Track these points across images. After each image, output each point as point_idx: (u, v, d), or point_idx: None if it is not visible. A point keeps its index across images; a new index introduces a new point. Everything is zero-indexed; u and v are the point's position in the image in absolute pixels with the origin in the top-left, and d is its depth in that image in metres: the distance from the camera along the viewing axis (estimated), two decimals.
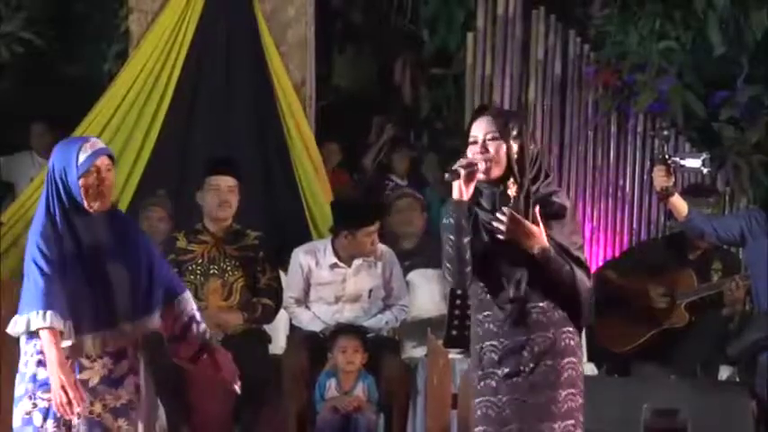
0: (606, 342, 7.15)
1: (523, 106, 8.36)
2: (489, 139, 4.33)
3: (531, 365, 4.32)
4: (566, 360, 4.34)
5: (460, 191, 4.27)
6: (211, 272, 6.78)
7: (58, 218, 4.66)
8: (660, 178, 6.16)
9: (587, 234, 8.19)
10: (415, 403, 6.85)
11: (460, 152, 4.41)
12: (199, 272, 6.77)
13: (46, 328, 4.55)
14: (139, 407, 4.79)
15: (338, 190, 8.29)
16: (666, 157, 6.21)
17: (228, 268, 6.79)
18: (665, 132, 7.65)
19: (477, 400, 4.40)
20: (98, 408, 4.69)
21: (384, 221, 7.45)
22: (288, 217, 7.88)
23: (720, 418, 6.08)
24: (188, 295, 4.89)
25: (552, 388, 4.32)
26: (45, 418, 4.64)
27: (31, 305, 4.60)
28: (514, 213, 4.24)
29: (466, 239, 4.26)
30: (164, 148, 7.83)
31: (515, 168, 4.32)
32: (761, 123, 8.04)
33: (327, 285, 7.00)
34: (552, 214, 4.34)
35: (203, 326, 4.90)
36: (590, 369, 6.98)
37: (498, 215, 4.26)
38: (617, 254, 8.04)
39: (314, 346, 6.83)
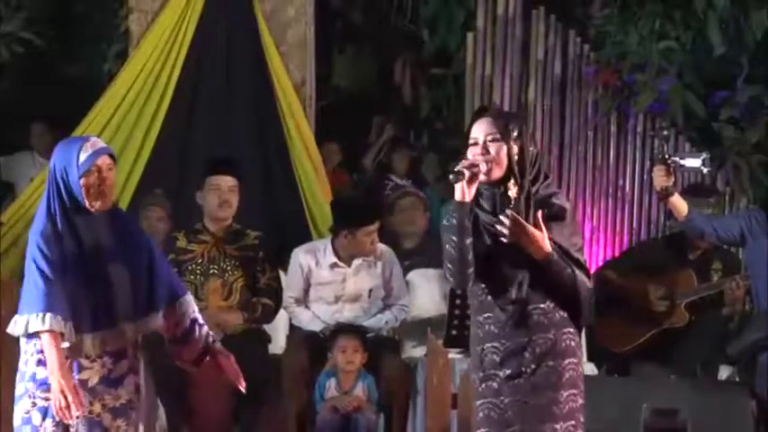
0: (606, 342, 7.15)
1: (523, 106, 8.36)
2: (490, 141, 4.33)
3: (533, 367, 4.32)
4: (567, 361, 4.35)
5: (463, 192, 4.27)
6: (211, 272, 6.78)
7: (58, 218, 4.66)
8: (660, 178, 6.17)
9: (587, 234, 8.19)
10: (414, 403, 6.85)
11: (460, 152, 4.42)
12: (199, 272, 6.77)
13: (45, 331, 4.55)
14: (139, 407, 4.79)
15: (338, 190, 8.30)
16: (666, 156, 6.21)
17: (228, 268, 6.80)
18: (665, 132, 7.66)
19: (479, 402, 4.39)
20: (98, 407, 4.69)
21: (387, 220, 7.46)
22: (288, 217, 7.88)
23: (720, 418, 6.08)
24: (189, 297, 4.88)
25: (554, 389, 4.32)
26: (44, 418, 4.64)
27: (30, 307, 4.59)
28: (518, 218, 4.24)
29: (468, 240, 4.26)
30: (164, 147, 7.83)
31: (516, 169, 4.32)
32: (761, 123, 8.04)
33: (327, 285, 7.00)
34: (552, 216, 4.34)
35: (206, 328, 4.89)
36: (590, 369, 6.98)
37: (502, 218, 4.25)
38: (617, 254, 8.04)
39: (314, 346, 6.83)
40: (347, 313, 6.97)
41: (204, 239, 6.84)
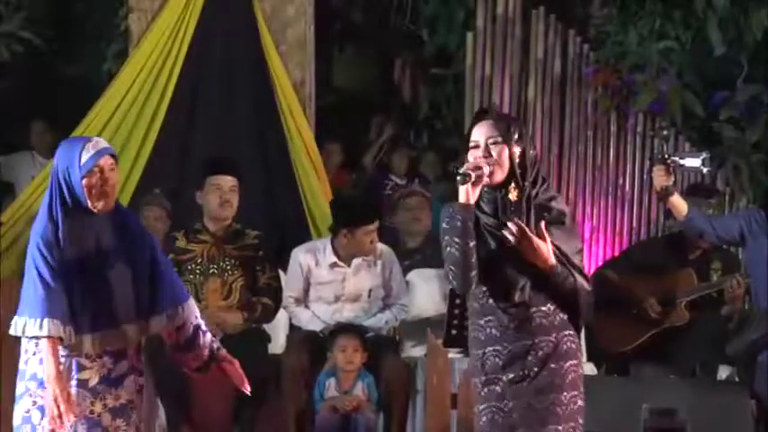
0: (606, 342, 7.15)
1: (523, 106, 8.36)
2: (491, 144, 4.32)
3: (536, 369, 4.31)
4: (569, 363, 4.34)
5: (467, 194, 4.26)
6: (211, 271, 6.78)
7: (60, 218, 4.64)
8: (660, 178, 6.17)
9: (587, 234, 8.19)
10: (414, 403, 6.86)
11: (459, 152, 4.42)
12: (198, 271, 6.78)
13: (43, 337, 4.55)
14: (141, 407, 4.78)
15: (338, 189, 8.30)
16: (666, 156, 6.22)
17: (228, 268, 6.80)
18: (665, 132, 7.67)
19: (482, 407, 4.38)
20: (98, 407, 4.69)
21: (391, 218, 7.45)
22: (288, 217, 7.88)
23: (719, 418, 6.08)
24: (192, 302, 4.85)
25: (557, 391, 4.31)
26: (42, 416, 4.63)
27: (28, 310, 4.59)
28: (525, 230, 4.23)
29: (472, 243, 4.25)
30: (163, 147, 7.83)
31: (518, 172, 4.32)
32: (761, 123, 8.04)
33: (327, 285, 7.00)
34: (552, 221, 4.34)
35: (209, 335, 4.88)
36: (589, 369, 6.98)
37: (510, 225, 4.25)
38: (617, 253, 8.05)
39: (313, 346, 6.83)
40: (347, 313, 6.97)
41: (204, 239, 6.84)
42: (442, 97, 9.58)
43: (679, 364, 7.03)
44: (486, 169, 4.28)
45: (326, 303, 6.99)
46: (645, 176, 8.12)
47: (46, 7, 9.17)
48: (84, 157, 4.65)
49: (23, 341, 4.69)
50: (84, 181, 4.64)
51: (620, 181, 8.28)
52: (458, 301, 4.58)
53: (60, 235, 4.63)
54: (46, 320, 4.54)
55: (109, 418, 4.70)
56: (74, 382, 4.65)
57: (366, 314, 7.00)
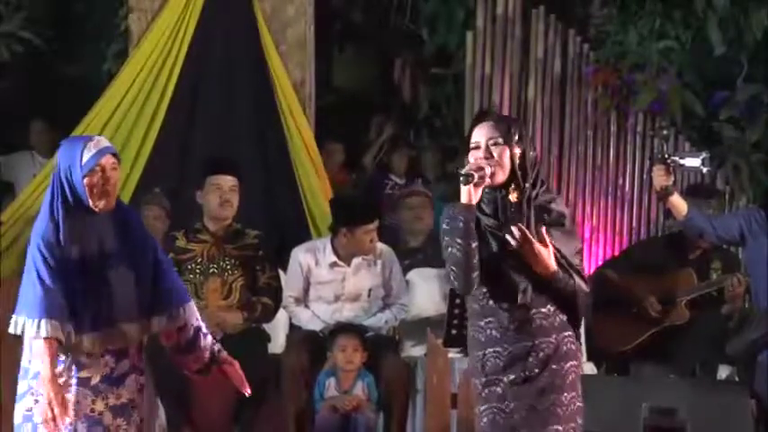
0: (605, 341, 7.15)
1: (523, 105, 8.36)
2: (492, 145, 4.33)
3: (537, 371, 4.32)
4: (569, 364, 4.36)
5: (470, 195, 4.26)
6: (211, 271, 6.79)
7: (61, 217, 4.64)
8: (660, 177, 6.17)
9: (587, 234, 8.19)
10: (414, 402, 6.86)
11: (459, 152, 4.42)
12: (198, 271, 6.78)
13: (40, 338, 4.55)
14: (141, 406, 4.78)
15: (338, 189, 8.30)
16: (666, 156, 6.22)
17: (228, 267, 6.80)
18: (665, 132, 7.67)
19: (483, 408, 4.38)
20: (100, 406, 4.69)
21: (393, 217, 7.45)
22: (288, 217, 7.88)
23: (719, 418, 6.08)
24: (193, 305, 4.85)
25: (558, 392, 4.32)
26: None
27: (26, 310, 4.59)
28: (527, 235, 4.23)
29: (474, 244, 4.25)
30: (164, 146, 7.83)
31: (519, 173, 4.32)
32: (761, 123, 8.05)
33: (327, 284, 7.00)
34: (552, 222, 4.35)
35: (210, 337, 4.88)
36: (589, 368, 6.98)
37: (513, 229, 4.25)
38: (617, 253, 8.05)
39: (313, 346, 6.83)
40: (347, 312, 6.97)
41: (204, 239, 6.84)
42: (441, 97, 9.57)
43: (679, 363, 7.03)
44: (488, 170, 4.29)
45: (326, 303, 6.99)
46: (645, 176, 8.12)
47: (46, 7, 9.17)
48: (86, 157, 4.65)
49: (26, 339, 4.69)
50: (85, 180, 4.64)
51: (620, 181, 8.29)
52: (458, 300, 4.59)
53: (61, 234, 4.63)
54: (44, 321, 4.54)
55: (110, 416, 4.70)
56: (74, 381, 4.66)
57: (366, 314, 7.00)
